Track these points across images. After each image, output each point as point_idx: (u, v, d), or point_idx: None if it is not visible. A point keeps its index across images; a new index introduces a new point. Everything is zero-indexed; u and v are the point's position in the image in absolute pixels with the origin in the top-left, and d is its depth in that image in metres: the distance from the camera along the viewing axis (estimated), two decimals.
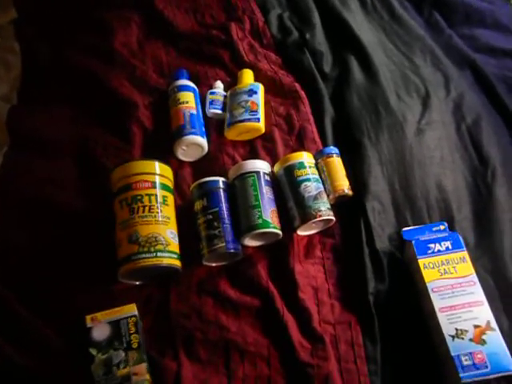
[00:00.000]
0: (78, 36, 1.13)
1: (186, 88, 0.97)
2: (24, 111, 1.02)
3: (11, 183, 0.91)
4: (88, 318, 0.71)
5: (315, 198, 0.80)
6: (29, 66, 1.11)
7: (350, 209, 0.84)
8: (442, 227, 0.80)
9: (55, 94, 1.04)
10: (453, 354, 0.66)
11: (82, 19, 1.17)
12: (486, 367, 0.65)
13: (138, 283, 0.78)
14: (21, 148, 0.96)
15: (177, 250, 0.77)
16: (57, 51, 1.11)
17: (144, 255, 0.73)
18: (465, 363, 0.66)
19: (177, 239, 0.78)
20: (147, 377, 0.67)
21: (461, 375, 0.65)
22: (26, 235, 0.84)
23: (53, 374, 0.70)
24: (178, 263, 0.76)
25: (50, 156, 0.94)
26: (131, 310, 0.73)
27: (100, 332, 0.70)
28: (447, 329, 0.68)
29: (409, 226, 0.82)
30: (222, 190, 0.81)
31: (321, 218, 0.78)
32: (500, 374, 0.65)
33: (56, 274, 0.80)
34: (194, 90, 0.98)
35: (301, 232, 0.81)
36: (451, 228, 0.81)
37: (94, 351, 0.68)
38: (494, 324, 0.68)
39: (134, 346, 0.69)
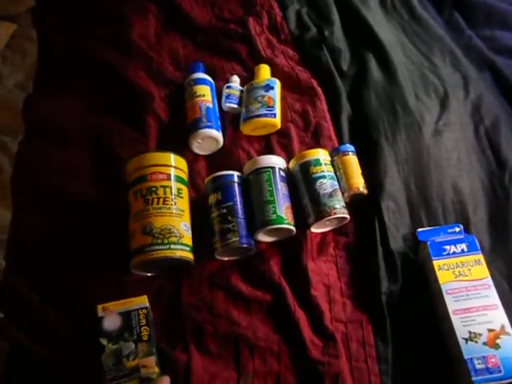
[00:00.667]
0: (95, 26, 1.13)
1: (202, 81, 0.96)
2: (40, 100, 1.02)
3: (26, 171, 0.91)
4: (99, 307, 0.71)
5: (330, 195, 0.79)
6: (45, 54, 1.11)
7: (364, 208, 0.84)
8: (457, 229, 0.80)
9: (71, 84, 1.04)
10: (466, 357, 0.66)
11: (100, 10, 1.16)
12: (500, 371, 0.65)
13: (149, 275, 0.78)
14: (36, 136, 0.96)
15: (190, 242, 0.77)
16: (74, 41, 1.11)
17: (157, 247, 0.73)
18: (478, 367, 0.65)
19: (190, 232, 0.78)
20: (156, 370, 0.67)
21: (473, 379, 0.64)
22: (39, 222, 0.84)
23: (63, 363, 0.70)
24: (190, 256, 0.76)
25: (64, 145, 0.94)
26: (143, 301, 0.73)
27: (111, 322, 0.70)
28: (461, 331, 0.68)
29: (424, 226, 0.82)
30: (236, 185, 0.81)
31: (335, 216, 0.78)
32: None
33: (68, 263, 0.80)
34: (210, 84, 0.97)
35: (314, 229, 0.81)
36: (466, 230, 0.81)
37: (104, 341, 0.68)
38: (508, 328, 0.68)
39: (144, 338, 0.69)
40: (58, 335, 0.72)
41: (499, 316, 0.69)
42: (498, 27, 1.12)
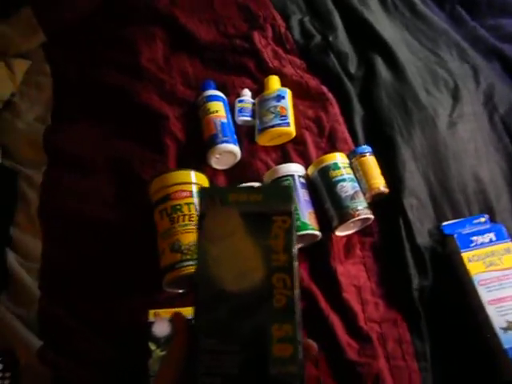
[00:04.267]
0: (105, 55, 1.16)
1: (214, 98, 0.98)
2: (58, 130, 1.06)
3: (52, 200, 0.93)
4: (151, 312, 0.73)
5: (352, 197, 0.80)
6: (60, 86, 1.15)
7: (387, 206, 0.84)
8: (482, 219, 0.79)
9: (87, 112, 1.07)
10: (505, 346, 0.65)
11: (108, 38, 1.19)
12: None
13: (181, 291, 0.79)
14: (59, 166, 0.99)
15: None
16: (85, 71, 1.14)
17: (187, 263, 0.74)
18: None
19: None
20: None
21: None
22: (68, 252, 0.87)
23: None
24: None
25: (87, 172, 0.96)
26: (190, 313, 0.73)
27: (161, 328, 0.71)
28: (498, 321, 0.67)
29: (448, 219, 0.82)
30: None
31: (359, 217, 0.78)
32: None
33: (101, 286, 0.82)
34: (222, 100, 0.99)
35: (339, 232, 0.81)
36: (492, 219, 0.80)
37: (152, 346, 0.70)
38: None
39: None
40: (99, 358, 0.74)
41: None
42: (501, 15, 1.12)
